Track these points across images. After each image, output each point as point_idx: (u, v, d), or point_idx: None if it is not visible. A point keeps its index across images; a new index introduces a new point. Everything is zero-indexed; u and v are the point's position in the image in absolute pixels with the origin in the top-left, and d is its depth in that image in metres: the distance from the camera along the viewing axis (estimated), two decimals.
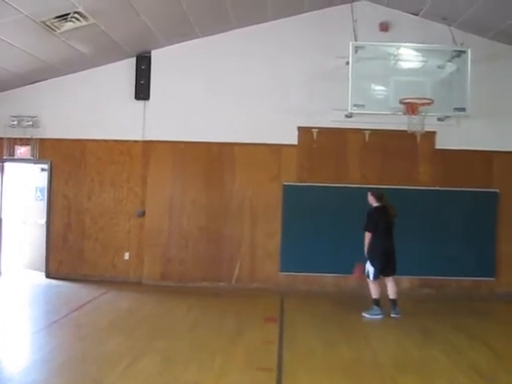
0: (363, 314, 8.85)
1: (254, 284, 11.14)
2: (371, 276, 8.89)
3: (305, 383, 5.67)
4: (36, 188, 12.12)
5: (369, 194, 9.26)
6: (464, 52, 9.34)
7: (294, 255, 11.02)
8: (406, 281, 11.10)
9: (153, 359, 6.32)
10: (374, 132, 11.03)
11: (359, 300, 10.19)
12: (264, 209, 11.17)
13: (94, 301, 9.58)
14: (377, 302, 8.93)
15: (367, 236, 8.88)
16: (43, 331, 7.51)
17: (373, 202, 9.19)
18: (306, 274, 11.11)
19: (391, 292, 8.97)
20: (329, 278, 11.10)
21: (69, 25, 8.87)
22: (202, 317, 8.72)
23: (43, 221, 11.65)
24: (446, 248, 10.95)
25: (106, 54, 10.94)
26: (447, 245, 10.96)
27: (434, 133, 10.87)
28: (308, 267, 11.03)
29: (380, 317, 8.78)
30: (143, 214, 11.36)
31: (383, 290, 9.00)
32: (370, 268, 8.90)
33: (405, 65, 9.60)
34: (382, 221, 8.96)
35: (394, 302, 8.93)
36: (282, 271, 11.08)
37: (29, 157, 11.47)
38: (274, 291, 10.72)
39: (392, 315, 8.81)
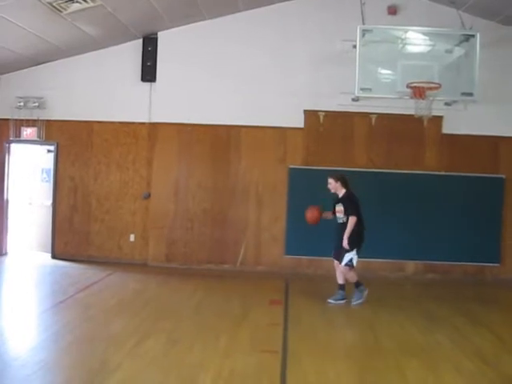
0: (329, 301, 8.57)
1: (259, 267, 11.18)
2: (354, 263, 8.50)
3: (309, 365, 5.70)
4: (42, 169, 12.13)
5: (332, 179, 8.70)
6: (472, 36, 9.25)
7: (299, 239, 11.03)
8: (411, 265, 11.14)
9: (158, 340, 6.36)
10: (380, 116, 11.00)
11: (364, 284, 10.24)
12: (269, 192, 11.19)
13: (99, 282, 9.63)
14: (344, 287, 8.64)
15: (352, 221, 8.36)
16: (50, 311, 7.57)
17: (338, 188, 8.67)
18: (310, 258, 11.14)
19: (353, 277, 8.70)
20: (334, 262, 11.09)
21: (75, 6, 8.86)
22: (207, 299, 8.76)
23: (49, 202, 11.69)
24: (451, 233, 10.96)
25: (112, 35, 10.90)
26: (452, 230, 10.96)
27: (441, 117, 10.82)
28: (313, 251, 11.03)
29: (344, 301, 8.57)
30: (149, 195, 11.38)
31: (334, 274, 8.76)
32: (353, 255, 8.46)
33: (412, 49, 9.53)
34: (359, 206, 8.59)
35: (356, 284, 8.72)
36: (286, 254, 11.11)
37: (35, 138, 11.48)
38: (278, 274, 10.76)
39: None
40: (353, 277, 8.67)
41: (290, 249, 11.11)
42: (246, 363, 5.69)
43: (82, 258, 11.35)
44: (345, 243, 8.37)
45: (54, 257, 11.55)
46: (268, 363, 5.70)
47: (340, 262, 8.54)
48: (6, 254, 11.72)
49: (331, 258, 11.03)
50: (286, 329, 7.08)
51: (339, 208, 8.62)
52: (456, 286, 10.51)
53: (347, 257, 8.46)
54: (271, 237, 11.22)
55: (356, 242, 8.49)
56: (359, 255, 8.55)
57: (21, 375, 5.09)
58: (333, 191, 8.74)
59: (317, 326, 7.32)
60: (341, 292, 8.62)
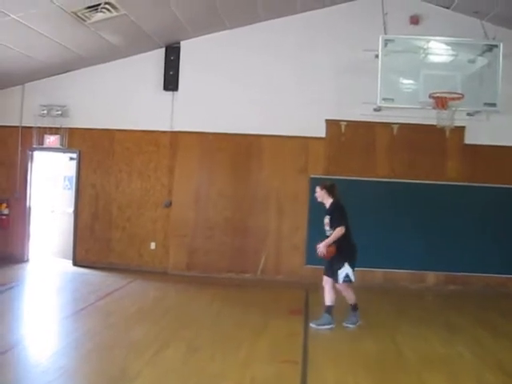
0: (312, 325, 7.66)
1: (279, 276, 11.16)
2: (352, 278, 7.65)
3: (330, 376, 5.67)
4: (64, 177, 12.24)
5: (318, 187, 7.93)
6: (496, 46, 9.19)
7: None
8: (432, 277, 11.06)
9: (178, 348, 6.37)
10: (402, 126, 10.95)
11: (384, 294, 10.20)
12: (290, 201, 11.17)
13: (120, 289, 9.67)
14: (331, 310, 7.74)
15: (340, 232, 7.52)
16: (71, 318, 7.61)
17: (324, 196, 7.87)
18: None
19: (352, 297, 7.90)
20: (354, 272, 11.05)
21: (99, 15, 8.93)
22: (227, 308, 8.76)
23: (71, 210, 11.77)
24: (473, 244, 10.87)
25: (135, 44, 10.98)
26: (474, 241, 10.88)
27: (463, 128, 10.74)
28: None
29: (330, 327, 7.62)
30: (170, 204, 11.43)
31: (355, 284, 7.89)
32: (348, 270, 7.57)
33: (435, 58, 9.47)
34: (346, 217, 7.76)
35: (354, 307, 7.91)
36: (307, 264, 11.06)
37: (58, 146, 11.59)
38: (299, 284, 10.72)
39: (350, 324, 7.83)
40: (351, 298, 7.83)
41: (311, 258, 11.01)
42: (266, 373, 5.67)
43: (103, 266, 11.41)
44: (322, 249, 7.57)
45: (75, 264, 11.62)
46: (288, 373, 5.69)
47: (336, 281, 7.64)
48: (27, 260, 11.81)
49: None
50: (306, 339, 7.06)
51: (326, 221, 7.76)
52: (477, 297, 10.40)
53: (342, 273, 7.56)
54: (292, 246, 11.20)
55: (348, 254, 7.63)
56: (357, 266, 7.76)
57: (41, 382, 5.13)
58: (319, 200, 7.94)
59: (337, 336, 7.29)
60: (326, 316, 7.64)
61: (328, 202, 7.88)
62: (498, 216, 10.91)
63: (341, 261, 7.58)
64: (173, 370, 5.63)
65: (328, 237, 7.63)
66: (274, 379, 5.50)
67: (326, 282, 7.81)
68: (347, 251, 7.65)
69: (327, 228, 7.73)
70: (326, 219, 7.75)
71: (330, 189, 7.90)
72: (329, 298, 7.73)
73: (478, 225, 10.89)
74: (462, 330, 7.81)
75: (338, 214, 7.67)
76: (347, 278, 7.59)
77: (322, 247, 7.59)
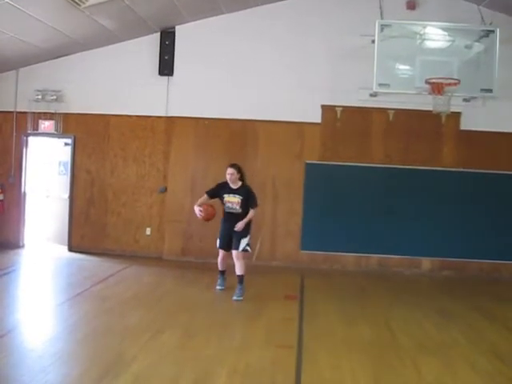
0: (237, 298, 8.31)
1: (275, 262, 11.17)
2: (250, 249, 8.63)
3: (324, 361, 5.69)
4: (59, 162, 12.20)
5: (234, 170, 8.49)
6: (492, 32, 9.18)
7: (315, 234, 11.04)
8: (427, 262, 11.09)
9: (174, 333, 6.39)
10: (398, 111, 10.94)
11: (379, 279, 10.24)
12: (286, 187, 11.16)
13: (116, 275, 9.68)
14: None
15: (253, 213, 8.47)
16: (66, 303, 7.61)
17: (236, 179, 8.51)
18: (326, 253, 11.14)
19: (242, 268, 8.57)
20: (349, 257, 11.11)
21: None
22: (223, 293, 8.78)
23: (66, 195, 11.75)
24: (467, 230, 10.91)
25: (130, 29, 10.92)
26: (469, 227, 10.91)
27: (459, 113, 10.74)
28: (329, 246, 11.05)
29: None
30: (165, 190, 11.41)
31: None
32: (249, 241, 8.51)
33: (431, 44, 9.45)
34: None
35: (241, 279, 8.56)
36: (302, 249, 11.10)
37: (52, 131, 11.54)
38: (294, 269, 10.75)
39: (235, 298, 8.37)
40: (242, 269, 8.48)
41: (306, 244, 11.10)
42: (261, 358, 5.69)
43: (98, 251, 11.41)
44: (240, 226, 8.33)
45: (70, 249, 11.62)
46: (283, 358, 5.71)
47: (237, 248, 8.45)
48: (23, 246, 11.81)
49: (346, 254, 11.03)
50: (301, 324, 7.08)
51: (235, 199, 8.46)
52: (472, 283, 10.47)
53: (244, 242, 8.46)
54: (287, 232, 11.21)
55: (250, 228, 8.63)
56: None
57: (38, 366, 5.13)
58: (231, 180, 8.49)
59: (332, 321, 7.31)
60: (242, 286, 8.46)
61: (238, 184, 8.57)
62: (492, 202, 10.93)
63: (248, 232, 8.51)
64: (168, 355, 5.65)
65: (235, 214, 8.46)
66: (269, 364, 5.52)
67: (236, 257, 8.53)
68: (250, 228, 8.60)
69: (237, 207, 8.49)
70: (237, 199, 8.48)
71: (243, 172, 8.66)
72: (243, 269, 8.51)
73: (473, 210, 10.92)
74: (457, 315, 7.86)
75: (254, 197, 8.54)
76: (247, 247, 8.51)
77: (240, 225, 8.36)
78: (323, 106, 11.10)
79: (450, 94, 9.01)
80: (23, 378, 4.83)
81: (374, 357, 5.90)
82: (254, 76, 11.15)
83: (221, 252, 8.79)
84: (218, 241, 8.79)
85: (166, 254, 11.42)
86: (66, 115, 11.53)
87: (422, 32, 9.34)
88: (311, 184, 11.05)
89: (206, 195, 8.64)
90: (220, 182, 8.68)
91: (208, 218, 8.52)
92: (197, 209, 8.46)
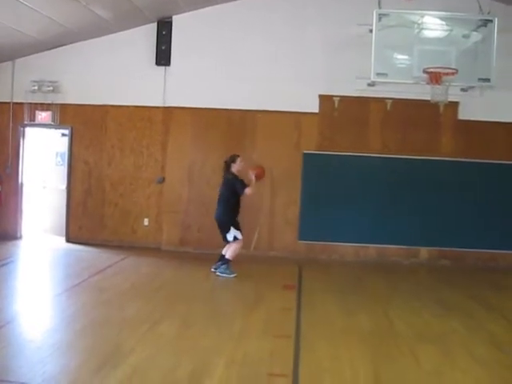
0: (220, 274, 9.11)
1: (273, 252, 11.18)
2: (240, 236, 9.10)
3: (322, 350, 5.69)
4: (56, 153, 12.19)
5: (238, 159, 9.27)
6: (490, 21, 9.14)
7: (313, 224, 11.04)
8: (425, 252, 11.11)
9: (172, 324, 6.39)
10: (396, 101, 10.91)
11: (378, 269, 10.25)
12: (284, 177, 11.13)
13: (114, 265, 9.68)
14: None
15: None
16: (64, 294, 7.61)
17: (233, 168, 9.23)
18: (324, 243, 11.14)
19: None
20: (347, 247, 11.12)
21: None
22: (221, 283, 8.80)
23: (63, 186, 11.73)
24: (465, 219, 10.93)
25: (127, 19, 10.87)
26: (466, 216, 10.92)
27: (457, 103, 10.72)
28: (327, 236, 11.05)
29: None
30: (163, 180, 11.40)
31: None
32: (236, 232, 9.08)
33: (429, 33, 9.41)
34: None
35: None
36: (300, 239, 11.10)
37: (49, 122, 11.51)
38: (292, 259, 10.76)
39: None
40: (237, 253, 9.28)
41: (304, 234, 11.09)
42: (259, 347, 5.70)
43: (96, 242, 11.41)
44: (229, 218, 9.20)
45: (68, 240, 11.61)
46: (281, 347, 5.71)
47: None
48: (20, 237, 11.80)
49: (345, 244, 11.05)
50: (299, 314, 7.09)
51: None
52: (469, 272, 10.49)
53: (233, 234, 9.10)
54: (285, 222, 11.21)
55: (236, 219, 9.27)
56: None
57: (36, 357, 5.13)
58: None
59: (330, 311, 7.32)
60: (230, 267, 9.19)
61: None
62: (490, 191, 10.93)
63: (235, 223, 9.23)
64: (166, 346, 5.65)
65: None
66: (267, 353, 5.52)
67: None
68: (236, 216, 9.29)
69: None
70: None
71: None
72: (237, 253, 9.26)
73: (471, 200, 10.92)
74: (455, 305, 7.88)
75: (241, 184, 9.08)
76: (236, 238, 9.09)
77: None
78: (321, 96, 11.07)
79: (447, 84, 8.97)
80: (22, 369, 4.83)
81: (373, 346, 5.90)
82: (252, 66, 11.11)
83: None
84: (240, 232, 9.15)
85: (164, 245, 11.42)
86: (63, 106, 11.49)
87: (419, 21, 9.30)
88: (309, 174, 11.04)
89: (246, 189, 9.02)
90: (238, 177, 9.17)
91: (261, 176, 9.30)
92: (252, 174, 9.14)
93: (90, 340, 5.78)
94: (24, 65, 11.51)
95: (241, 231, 9.13)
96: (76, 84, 11.39)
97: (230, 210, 9.11)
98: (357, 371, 5.17)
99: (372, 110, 11.08)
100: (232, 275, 9.01)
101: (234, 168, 9.16)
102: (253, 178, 9.10)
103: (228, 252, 9.10)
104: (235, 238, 9.03)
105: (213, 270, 9.23)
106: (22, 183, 11.84)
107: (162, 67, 11.29)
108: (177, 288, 8.40)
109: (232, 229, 9.01)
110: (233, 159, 9.21)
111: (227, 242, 9.12)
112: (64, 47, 11.39)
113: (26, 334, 6.00)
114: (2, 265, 9.39)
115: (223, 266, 9.09)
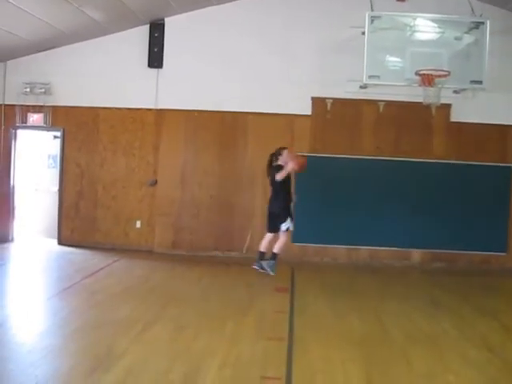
0: (266, 267, 9.32)
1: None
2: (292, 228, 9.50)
3: (315, 353, 5.68)
4: (48, 155, 12.18)
5: (285, 151, 9.38)
6: (482, 23, 9.20)
7: (306, 226, 11.00)
8: (417, 254, 11.13)
9: (165, 326, 6.36)
10: (388, 103, 10.93)
11: (371, 272, 10.25)
12: None
13: (106, 268, 9.65)
14: None
15: None
16: (56, 297, 7.58)
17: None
18: (317, 246, 11.15)
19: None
20: (340, 250, 11.12)
21: None
22: (213, 285, 8.77)
23: (55, 188, 11.70)
24: (458, 222, 10.95)
25: (119, 21, 10.85)
26: (459, 219, 10.94)
27: (449, 105, 10.75)
28: (320, 239, 11.06)
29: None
30: (155, 182, 11.37)
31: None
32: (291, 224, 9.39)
33: (421, 36, 9.47)
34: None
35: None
36: (293, 242, 11.08)
37: (41, 124, 11.46)
38: (285, 262, 10.69)
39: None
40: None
41: (297, 237, 11.06)
42: (252, 350, 5.67)
43: (88, 245, 11.36)
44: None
45: (60, 243, 11.57)
46: (274, 350, 5.69)
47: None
48: (12, 240, 11.74)
49: (338, 246, 11.05)
50: (291, 316, 7.06)
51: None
52: (462, 274, 10.50)
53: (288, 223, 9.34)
54: None
55: None
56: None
57: (27, 361, 5.09)
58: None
59: (323, 313, 7.31)
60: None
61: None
62: (482, 193, 10.97)
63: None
64: (159, 348, 5.63)
65: None
66: (260, 356, 5.50)
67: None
68: None
69: None
70: None
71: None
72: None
73: (463, 202, 10.94)
74: (447, 307, 7.87)
75: None
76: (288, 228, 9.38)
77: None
78: (313, 98, 11.08)
79: (440, 86, 9.01)
80: (13, 372, 4.80)
81: (365, 349, 5.89)
82: (244, 68, 11.12)
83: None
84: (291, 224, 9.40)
85: (156, 247, 11.40)
86: (55, 108, 11.45)
87: (412, 24, 9.35)
88: (301, 176, 11.00)
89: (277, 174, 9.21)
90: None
91: (303, 167, 9.25)
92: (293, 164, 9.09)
93: (82, 343, 5.74)
94: (16, 67, 11.46)
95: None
96: (68, 86, 11.36)
97: (282, 199, 9.30)
98: (349, 373, 5.15)
99: (364, 113, 11.09)
100: (272, 273, 9.26)
101: (281, 160, 9.27)
102: (289, 167, 9.09)
103: (276, 246, 9.33)
104: (287, 229, 9.30)
105: (255, 267, 9.41)
106: (13, 185, 11.78)
107: (155, 69, 11.27)
108: (169, 290, 8.36)
109: (289, 219, 9.25)
110: (279, 152, 9.34)
111: (273, 231, 9.38)
112: (56, 49, 11.36)
113: (18, 337, 5.96)
114: None
115: (272, 262, 9.32)
